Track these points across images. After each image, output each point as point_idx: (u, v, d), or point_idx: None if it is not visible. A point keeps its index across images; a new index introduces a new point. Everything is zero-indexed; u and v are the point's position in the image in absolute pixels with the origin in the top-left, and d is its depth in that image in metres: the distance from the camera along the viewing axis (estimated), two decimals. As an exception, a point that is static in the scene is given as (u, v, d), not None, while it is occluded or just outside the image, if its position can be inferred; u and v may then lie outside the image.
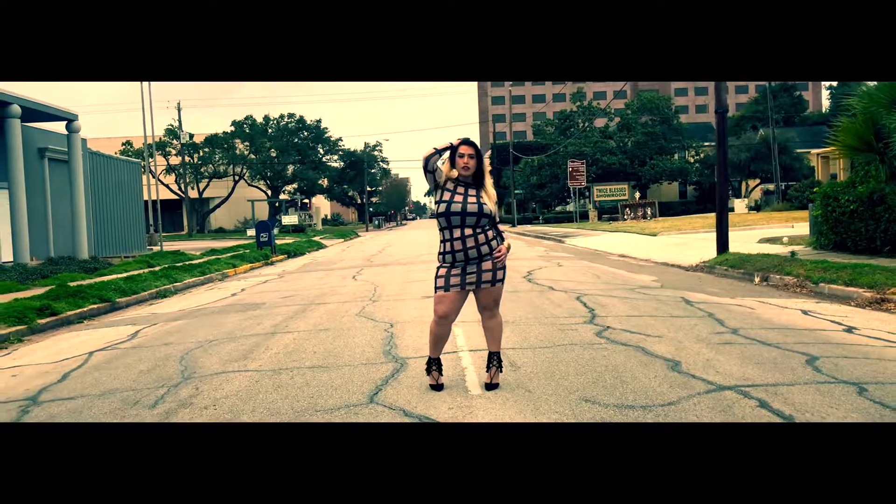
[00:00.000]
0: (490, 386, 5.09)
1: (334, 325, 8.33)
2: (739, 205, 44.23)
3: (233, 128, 60.83)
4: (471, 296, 5.10)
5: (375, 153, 76.11)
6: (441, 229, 4.93)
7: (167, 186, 56.56)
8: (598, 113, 56.11)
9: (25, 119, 19.18)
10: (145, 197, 31.02)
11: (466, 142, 4.89)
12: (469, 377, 5.44)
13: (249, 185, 62.39)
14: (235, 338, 7.85)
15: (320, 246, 31.23)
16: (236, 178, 60.52)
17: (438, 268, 4.97)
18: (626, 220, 42.27)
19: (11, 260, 18.46)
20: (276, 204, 61.58)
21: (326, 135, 67.18)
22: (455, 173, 4.88)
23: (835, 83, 51.86)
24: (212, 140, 58.71)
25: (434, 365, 5.16)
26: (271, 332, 8.06)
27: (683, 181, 55.03)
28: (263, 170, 61.10)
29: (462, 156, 4.83)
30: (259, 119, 62.96)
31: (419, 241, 32.63)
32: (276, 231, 30.81)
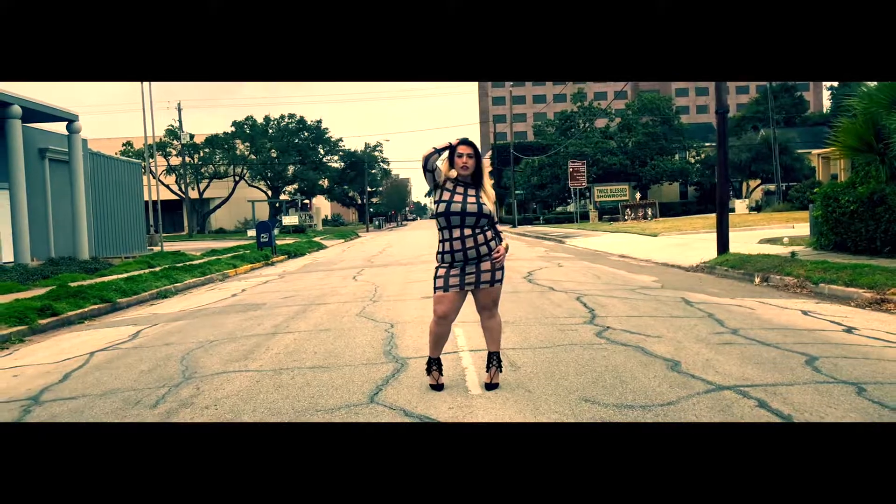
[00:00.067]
0: (490, 386, 5.10)
1: (335, 326, 8.34)
2: (740, 205, 44.22)
3: (233, 128, 60.85)
4: (469, 296, 5.11)
5: (376, 154, 76.15)
6: (440, 229, 4.94)
7: (167, 187, 56.61)
8: (599, 113, 56.10)
9: (26, 119, 19.20)
10: (146, 197, 31.04)
11: (465, 142, 4.91)
12: (469, 377, 5.45)
13: (250, 185, 62.41)
14: (236, 338, 7.86)
15: (321, 246, 31.25)
16: (237, 178, 60.53)
17: (437, 268, 4.97)
18: (626, 220, 42.26)
19: (12, 260, 18.48)
20: (277, 204, 61.60)
21: (327, 135, 67.16)
22: (454, 173, 4.89)
23: (836, 83, 51.85)
24: (212, 140, 58.73)
25: (434, 365, 5.17)
26: (272, 333, 8.07)
27: (684, 182, 55.03)
28: (264, 170, 61.13)
29: (461, 155, 4.85)
30: (259, 119, 63.06)
31: (420, 241, 32.63)
32: (276, 231, 30.85)
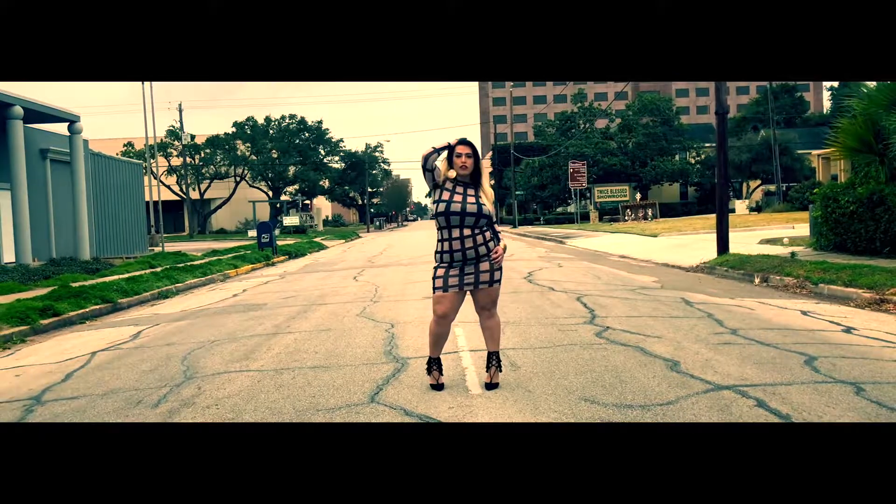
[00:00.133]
0: (490, 386, 5.11)
1: (335, 326, 8.35)
2: (740, 206, 44.20)
3: (234, 129, 60.88)
4: (468, 296, 5.12)
5: (376, 154, 76.17)
6: (440, 229, 4.95)
7: (168, 187, 56.64)
8: (599, 114, 56.10)
9: (28, 120, 19.23)
10: (147, 198, 31.07)
11: (464, 141, 4.93)
12: (469, 377, 5.46)
13: (251, 186, 62.41)
14: (237, 338, 7.87)
15: (321, 247, 31.26)
16: (237, 179, 60.55)
17: (436, 268, 4.98)
18: (626, 221, 42.26)
19: (13, 261, 18.50)
20: (278, 205, 61.61)
21: (328, 136, 67.18)
22: (453, 173, 4.91)
23: (836, 84, 51.82)
24: (213, 141, 58.75)
25: (434, 365, 5.18)
26: (273, 333, 8.08)
27: (684, 182, 55.01)
28: (265, 171, 61.12)
29: (459, 155, 4.87)
30: (260, 120, 63.07)
31: (420, 242, 32.63)
32: (277, 232, 30.88)
